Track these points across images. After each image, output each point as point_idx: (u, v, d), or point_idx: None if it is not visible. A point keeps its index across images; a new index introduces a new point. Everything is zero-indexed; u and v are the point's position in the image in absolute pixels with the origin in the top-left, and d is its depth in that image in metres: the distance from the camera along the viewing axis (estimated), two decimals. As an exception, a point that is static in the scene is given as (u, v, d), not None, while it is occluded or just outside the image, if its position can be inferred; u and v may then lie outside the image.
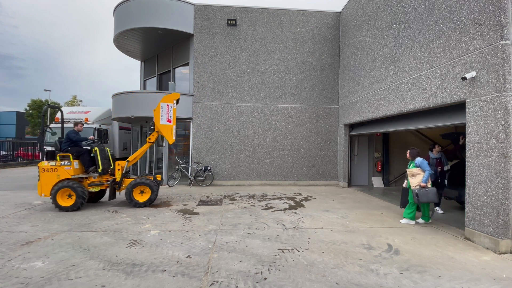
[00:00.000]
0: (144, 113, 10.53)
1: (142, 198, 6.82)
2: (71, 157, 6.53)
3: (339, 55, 11.12)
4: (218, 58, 10.83)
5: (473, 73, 4.52)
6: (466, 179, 4.73)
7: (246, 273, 3.38)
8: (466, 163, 4.72)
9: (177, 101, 7.25)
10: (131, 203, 6.77)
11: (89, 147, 6.90)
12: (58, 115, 12.43)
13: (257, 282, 3.17)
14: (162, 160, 11.35)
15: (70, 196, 6.37)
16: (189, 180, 10.48)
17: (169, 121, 6.98)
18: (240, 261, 3.73)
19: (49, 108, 29.88)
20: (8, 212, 6.25)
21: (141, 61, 14.39)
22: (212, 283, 3.14)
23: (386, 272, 3.46)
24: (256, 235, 4.81)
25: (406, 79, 6.53)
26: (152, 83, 13.58)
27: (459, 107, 5.14)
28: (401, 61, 6.76)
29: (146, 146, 7.25)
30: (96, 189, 6.86)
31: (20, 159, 19.48)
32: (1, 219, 5.65)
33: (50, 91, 29.51)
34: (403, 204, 6.05)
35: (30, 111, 33.52)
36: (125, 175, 7.03)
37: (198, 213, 6.26)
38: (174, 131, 7.08)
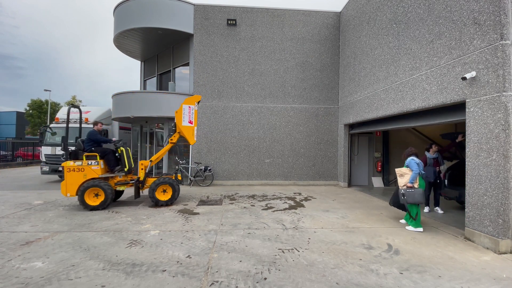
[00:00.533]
0: (144, 113, 10.54)
1: (164, 197, 6.94)
2: (97, 157, 6.65)
3: (339, 55, 11.12)
4: (218, 58, 10.83)
5: (473, 73, 4.52)
6: (466, 179, 4.72)
7: (246, 273, 3.38)
8: (466, 163, 4.72)
9: (198, 102, 7.48)
10: (154, 202, 6.85)
11: (114, 147, 7.16)
12: (58, 115, 12.44)
13: (257, 282, 3.17)
14: (162, 160, 11.34)
15: (96, 195, 6.48)
16: (189, 180, 10.48)
17: (190, 122, 7.19)
18: (240, 261, 3.73)
19: (49, 108, 29.87)
20: (8, 212, 6.24)
21: (141, 61, 14.39)
22: (212, 283, 3.14)
23: (386, 272, 3.46)
24: (256, 235, 4.81)
25: (406, 79, 6.53)
26: (152, 83, 13.58)
27: (459, 107, 5.14)
28: (401, 61, 6.76)
29: (168, 147, 7.44)
30: (123, 188, 7.06)
31: (20, 159, 19.48)
32: (1, 219, 5.65)
33: (50, 91, 29.48)
34: (392, 201, 5.88)
35: (30, 111, 33.48)
36: (148, 174, 7.20)
37: (198, 213, 6.26)
38: (195, 132, 7.30)
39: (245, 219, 5.82)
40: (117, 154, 7.05)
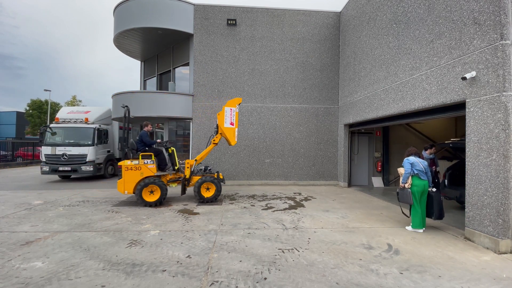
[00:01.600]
0: (144, 113, 10.53)
1: (207, 194, 7.39)
2: (152, 156, 7.08)
3: (339, 55, 11.12)
4: (218, 58, 10.83)
5: (473, 73, 4.52)
6: (466, 179, 4.72)
7: (246, 273, 3.38)
8: (466, 163, 4.72)
9: (239, 104, 7.83)
10: (199, 198, 7.30)
11: (163, 147, 7.63)
12: (58, 115, 12.43)
13: (257, 282, 3.17)
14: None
15: (151, 192, 6.90)
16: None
17: (232, 124, 7.48)
18: (240, 261, 3.73)
19: (49, 108, 29.87)
20: (8, 212, 6.24)
21: (141, 61, 14.39)
22: (212, 283, 3.14)
23: (386, 272, 3.46)
24: (256, 235, 4.81)
25: (406, 79, 6.52)
26: (152, 83, 13.58)
27: (459, 107, 5.14)
28: (401, 61, 6.76)
29: (211, 147, 7.75)
30: (174, 185, 7.59)
31: (20, 159, 19.47)
32: (1, 219, 5.65)
33: (50, 91, 29.46)
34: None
35: (30, 111, 33.49)
36: (192, 172, 7.57)
37: (198, 213, 6.26)
38: (236, 133, 7.59)
39: (245, 219, 5.82)
40: (166, 154, 7.52)
